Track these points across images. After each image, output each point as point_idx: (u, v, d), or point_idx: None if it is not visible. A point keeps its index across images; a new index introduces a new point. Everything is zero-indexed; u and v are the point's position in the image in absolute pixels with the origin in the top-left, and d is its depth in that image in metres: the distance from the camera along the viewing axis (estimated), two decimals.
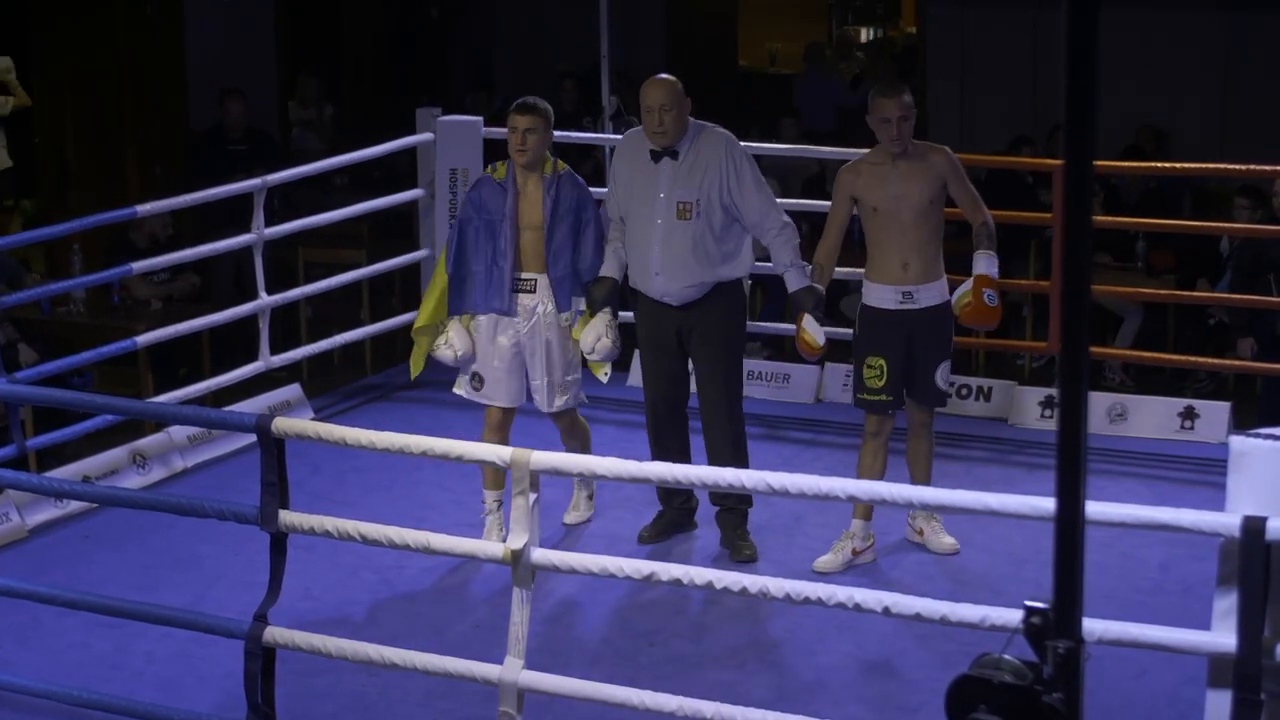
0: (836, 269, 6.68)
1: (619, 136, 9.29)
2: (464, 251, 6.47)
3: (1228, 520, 3.93)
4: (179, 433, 7.64)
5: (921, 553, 6.63)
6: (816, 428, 8.07)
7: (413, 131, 8.92)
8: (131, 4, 10.44)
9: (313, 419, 7.88)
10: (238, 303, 8.25)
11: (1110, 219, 8.67)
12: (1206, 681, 4.10)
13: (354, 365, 9.42)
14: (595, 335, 6.38)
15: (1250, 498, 3.96)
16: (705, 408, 6.64)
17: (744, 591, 4.53)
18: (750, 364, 8.04)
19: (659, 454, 6.66)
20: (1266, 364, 7.93)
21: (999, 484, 7.17)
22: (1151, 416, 8.03)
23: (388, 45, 14.35)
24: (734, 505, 6.58)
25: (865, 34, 19.44)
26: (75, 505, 6.94)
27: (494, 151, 8.66)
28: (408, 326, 9.08)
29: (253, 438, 5.05)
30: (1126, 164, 9.14)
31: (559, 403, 6.55)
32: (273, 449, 4.82)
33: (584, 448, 6.78)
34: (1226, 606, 3.99)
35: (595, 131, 9.54)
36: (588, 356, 6.46)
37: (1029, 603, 2.51)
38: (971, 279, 6.37)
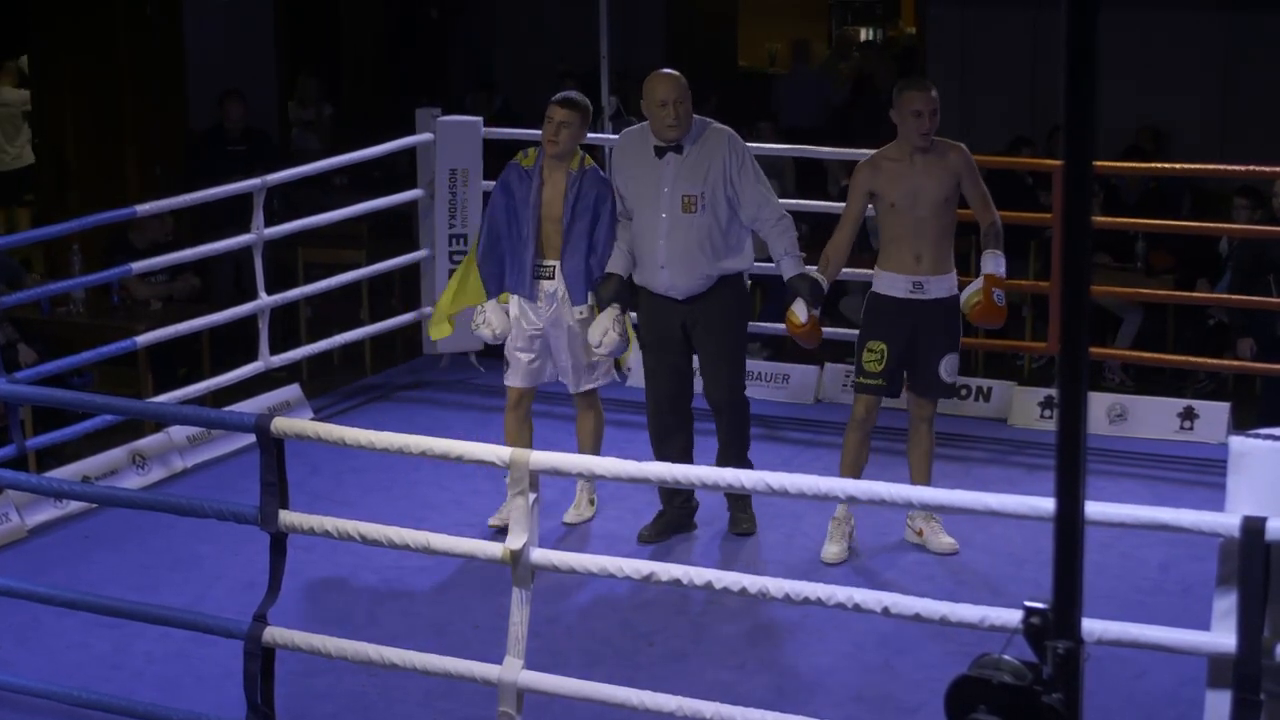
0: (856, 272, 6.70)
1: (619, 137, 9.35)
2: (496, 234, 6.66)
3: (1227, 520, 3.93)
4: (178, 433, 7.64)
5: (921, 553, 6.63)
6: (816, 428, 8.07)
7: (412, 131, 8.91)
8: (131, 4, 10.45)
9: (312, 419, 7.88)
10: (237, 303, 8.24)
11: (1110, 219, 8.67)
12: (1206, 682, 4.09)
13: (353, 365, 9.43)
14: (602, 330, 6.52)
15: (1250, 498, 3.96)
16: (712, 395, 6.72)
17: (744, 591, 4.52)
18: (750, 364, 8.03)
19: (661, 453, 6.70)
20: (1266, 364, 7.93)
21: (998, 484, 7.17)
22: (1151, 417, 8.03)
23: (388, 45, 14.35)
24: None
25: (865, 34, 19.45)
26: (75, 505, 6.94)
27: (494, 152, 8.69)
28: (407, 327, 9.16)
29: (252, 438, 5.04)
30: (1126, 164, 9.14)
31: (585, 384, 6.74)
32: (272, 449, 4.82)
33: (595, 436, 6.84)
34: (1226, 607, 3.99)
35: (595, 131, 9.53)
36: (596, 351, 6.59)
37: (1028, 603, 2.51)
38: (981, 278, 6.46)
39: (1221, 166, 8.23)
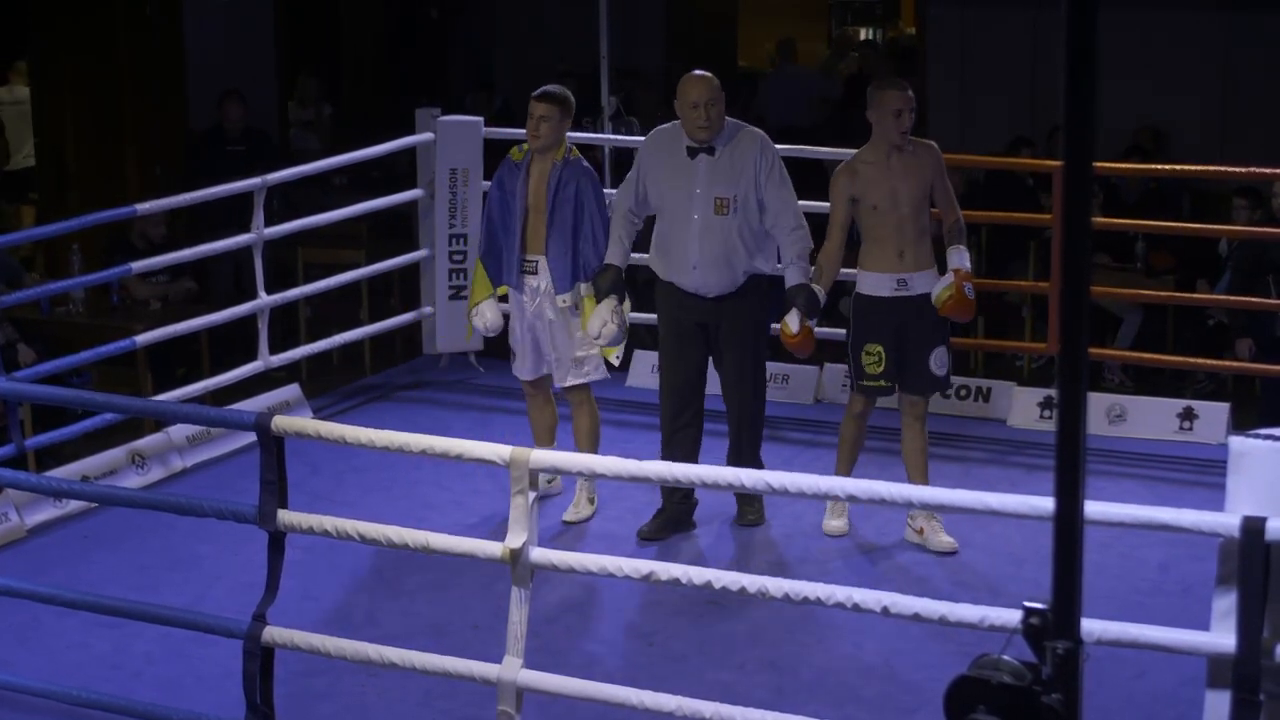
0: (842, 270, 6.73)
1: (619, 137, 9.36)
2: (493, 229, 6.84)
3: (1227, 520, 3.93)
4: (178, 432, 7.64)
5: (921, 553, 6.64)
6: (816, 428, 8.06)
7: (412, 131, 8.91)
8: (131, 4, 10.44)
9: (312, 419, 7.87)
10: (237, 303, 8.24)
11: (1109, 220, 8.67)
12: (1205, 682, 4.09)
13: (353, 365, 9.43)
14: (600, 321, 6.59)
15: (1250, 498, 3.96)
16: (730, 399, 6.78)
17: (743, 591, 4.53)
18: None
19: (671, 445, 6.78)
20: (1265, 365, 7.93)
21: (998, 484, 7.17)
22: (1150, 417, 8.03)
23: (388, 45, 14.35)
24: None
25: (865, 34, 19.44)
26: (74, 505, 6.94)
27: (494, 152, 8.68)
28: (407, 327, 9.16)
29: (251, 438, 5.05)
30: (1126, 165, 9.14)
31: (569, 379, 6.80)
32: (272, 447, 4.82)
33: (591, 434, 6.86)
34: (1226, 607, 3.99)
35: (595, 131, 9.54)
36: (594, 341, 6.67)
37: (1028, 603, 2.51)
38: (951, 273, 6.54)
39: (1220, 169, 8.22)
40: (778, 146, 6.76)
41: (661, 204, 6.67)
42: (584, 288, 6.69)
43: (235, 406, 7.64)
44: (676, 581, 4.56)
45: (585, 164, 6.74)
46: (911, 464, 6.68)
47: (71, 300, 8.67)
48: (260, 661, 4.88)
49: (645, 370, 8.74)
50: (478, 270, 6.99)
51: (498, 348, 6.95)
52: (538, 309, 6.75)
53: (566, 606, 6.08)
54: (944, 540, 6.61)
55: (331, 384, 9.02)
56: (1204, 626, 4.11)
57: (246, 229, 7.99)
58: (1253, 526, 3.86)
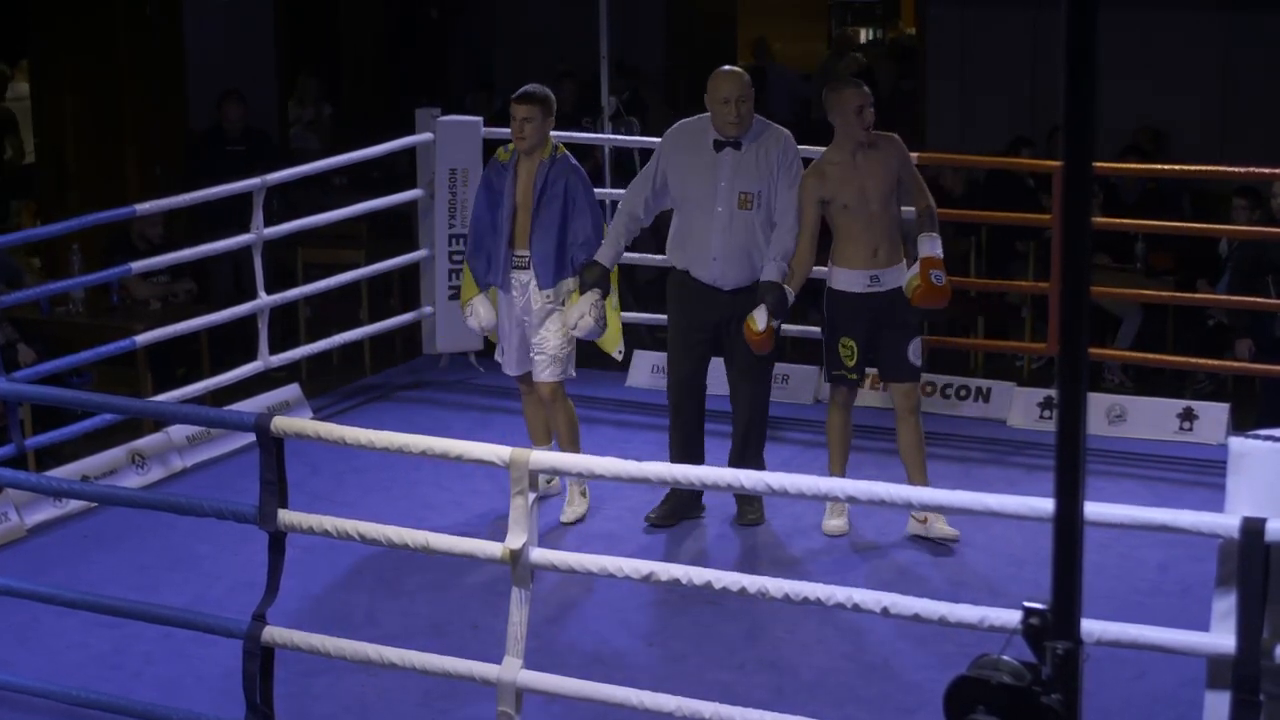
0: (820, 268, 6.89)
1: (619, 137, 9.36)
2: (480, 230, 6.88)
3: (1227, 521, 3.93)
4: (178, 432, 7.64)
5: (921, 553, 6.64)
6: (816, 428, 8.05)
7: (412, 131, 8.91)
8: (131, 4, 10.43)
9: (311, 419, 7.87)
10: (237, 303, 8.24)
11: (1109, 220, 8.67)
12: (1205, 683, 4.09)
13: (353, 365, 9.43)
14: (579, 313, 6.67)
15: (1249, 499, 3.96)
16: (737, 392, 6.86)
17: (743, 591, 4.53)
18: None
19: (677, 435, 6.88)
20: (1265, 365, 7.93)
21: (998, 485, 7.17)
22: (1150, 417, 8.03)
23: (387, 45, 14.34)
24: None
25: (865, 34, 19.44)
26: (74, 505, 6.94)
27: (493, 152, 8.68)
28: (406, 327, 9.16)
29: (251, 438, 5.04)
30: (1125, 165, 9.13)
31: (545, 374, 6.82)
32: (272, 448, 4.82)
33: (569, 430, 6.87)
34: (1225, 607, 3.99)
35: (595, 131, 9.53)
36: (571, 333, 6.75)
37: (1028, 604, 2.51)
38: (918, 262, 6.64)
39: (1219, 169, 8.22)
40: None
41: (683, 196, 6.74)
42: (570, 283, 6.75)
43: (235, 406, 7.65)
44: (676, 581, 4.56)
45: (573, 161, 6.79)
46: (909, 460, 6.72)
47: (71, 300, 8.67)
48: (260, 661, 4.88)
49: (645, 370, 8.74)
50: (465, 272, 7.09)
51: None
52: (526, 304, 6.79)
53: (566, 606, 6.08)
54: (946, 529, 6.65)
55: (331, 384, 9.01)
56: (1204, 627, 4.11)
57: (246, 229, 7.99)
58: (1252, 527, 3.86)
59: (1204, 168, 8.45)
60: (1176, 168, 8.84)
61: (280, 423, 4.84)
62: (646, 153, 7.80)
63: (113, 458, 7.37)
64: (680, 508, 6.89)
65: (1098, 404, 7.99)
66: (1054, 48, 2.41)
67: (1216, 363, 8.50)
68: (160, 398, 7.53)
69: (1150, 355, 8.66)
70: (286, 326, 9.55)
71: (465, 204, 8.73)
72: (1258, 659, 3.89)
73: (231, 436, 7.66)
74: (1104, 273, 9.06)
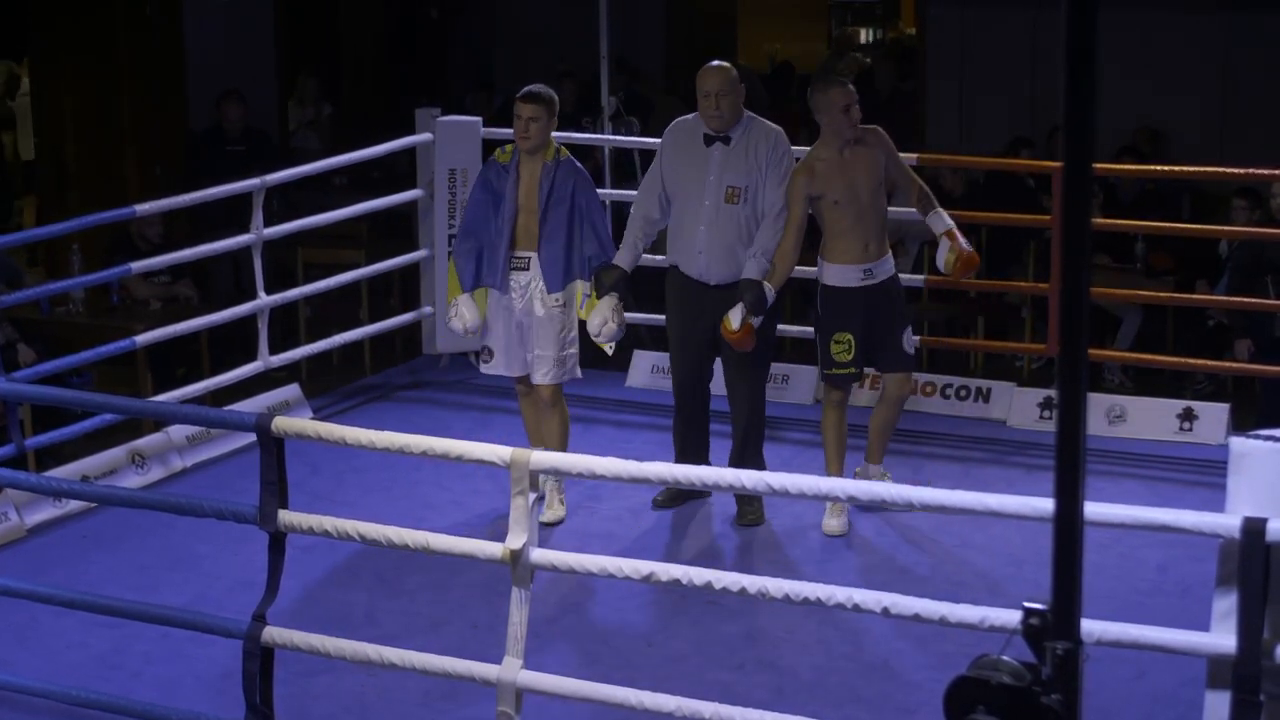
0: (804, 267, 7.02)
1: (619, 137, 9.36)
2: (472, 229, 6.82)
3: (1228, 521, 3.93)
4: (178, 432, 7.63)
5: (920, 553, 6.64)
6: (816, 428, 8.04)
7: (412, 131, 8.91)
8: (131, 4, 10.43)
9: (312, 419, 7.87)
10: (237, 303, 8.24)
11: (1109, 221, 8.67)
12: (1205, 683, 4.09)
13: (353, 365, 9.42)
14: (601, 319, 6.67)
15: (1250, 499, 3.96)
16: (732, 389, 6.89)
17: (743, 592, 4.52)
18: None
19: (680, 432, 6.95)
20: (1264, 365, 7.93)
21: (998, 485, 7.17)
22: (1150, 418, 8.03)
23: (387, 45, 14.34)
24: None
25: (865, 35, 19.44)
26: (74, 505, 6.94)
27: (493, 152, 8.68)
28: (406, 327, 9.16)
29: (251, 438, 5.04)
30: (1125, 166, 9.14)
31: (547, 377, 6.79)
32: (272, 448, 4.82)
33: (562, 433, 6.86)
34: (1226, 608, 3.99)
35: (595, 132, 9.53)
36: (594, 339, 6.74)
37: (1028, 604, 2.51)
38: (943, 237, 6.77)
39: (1219, 170, 8.22)
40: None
41: (676, 190, 6.80)
42: (581, 285, 6.73)
43: (235, 406, 7.65)
44: (676, 582, 4.56)
45: (577, 164, 6.79)
46: (878, 436, 6.95)
47: (71, 300, 8.67)
48: (260, 661, 4.88)
49: (645, 370, 8.74)
50: (453, 269, 6.97)
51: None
52: (526, 305, 6.74)
53: (566, 606, 6.08)
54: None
55: (331, 384, 9.01)
56: (1204, 627, 4.11)
57: (246, 229, 7.99)
58: (1253, 527, 3.86)
59: (1203, 168, 8.45)
60: (1176, 168, 8.84)
61: (281, 423, 4.84)
62: (646, 153, 7.81)
63: (113, 458, 7.37)
64: (685, 489, 6.92)
65: (1098, 404, 7.99)
66: (1054, 48, 2.41)
67: (1216, 363, 8.50)
68: (160, 398, 7.53)
69: (1150, 355, 8.66)
70: (286, 326, 9.54)
71: (465, 204, 8.72)
72: (1258, 659, 3.89)
73: (231, 436, 7.65)
74: (1104, 273, 9.06)
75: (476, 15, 14.76)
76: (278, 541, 4.89)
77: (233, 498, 5.18)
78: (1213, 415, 7.96)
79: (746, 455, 6.81)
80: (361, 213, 8.93)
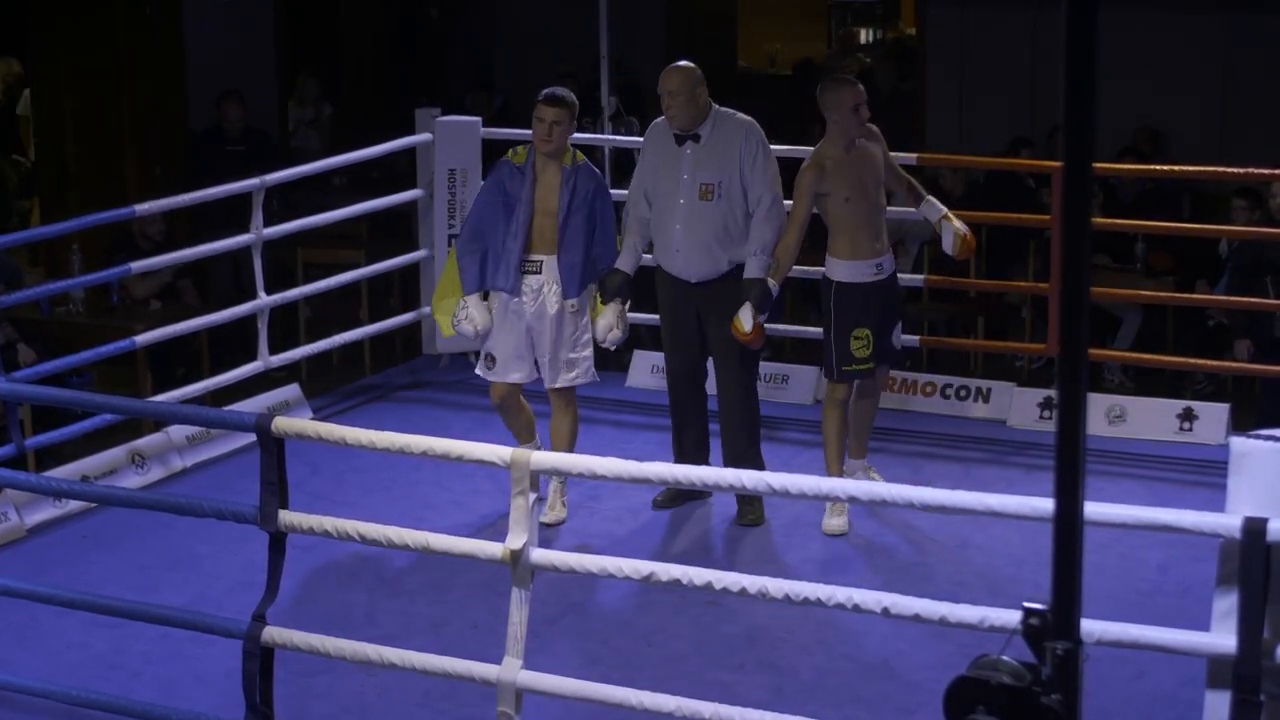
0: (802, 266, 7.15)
1: (619, 137, 9.36)
2: (480, 230, 6.74)
3: (1229, 521, 3.93)
4: (177, 432, 7.63)
5: (920, 553, 6.64)
6: (816, 428, 8.04)
7: (412, 131, 8.91)
8: (131, 4, 10.43)
9: (311, 419, 7.87)
10: (236, 303, 8.24)
11: (1109, 220, 8.67)
12: (1205, 683, 4.09)
13: (353, 365, 9.42)
14: (608, 325, 6.73)
15: (1250, 499, 3.96)
16: (721, 387, 6.91)
17: (743, 592, 4.52)
18: None
19: (678, 419, 6.97)
20: (1264, 365, 7.92)
21: (998, 485, 7.17)
22: (1150, 418, 8.03)
23: (388, 45, 14.34)
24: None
25: (865, 35, 19.42)
26: (74, 505, 6.94)
27: (493, 152, 8.68)
28: (406, 327, 9.15)
29: (251, 438, 5.05)
30: (1125, 166, 9.14)
31: (563, 380, 6.77)
32: (272, 448, 4.82)
33: (571, 437, 6.85)
34: (1226, 607, 3.99)
35: (595, 132, 9.53)
36: (601, 344, 6.77)
37: (1027, 604, 2.51)
38: (943, 222, 6.90)
39: (1218, 170, 8.21)
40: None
41: (654, 190, 6.83)
42: (592, 287, 6.77)
43: (235, 406, 7.65)
44: (676, 582, 4.56)
45: (593, 167, 6.80)
46: (862, 430, 7.03)
47: (71, 300, 8.67)
48: (260, 661, 4.88)
49: (645, 370, 8.74)
50: (453, 267, 6.90)
51: None
52: (539, 309, 6.71)
53: (566, 606, 6.07)
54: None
55: (331, 384, 9.01)
56: (1204, 627, 4.11)
57: (246, 229, 7.99)
58: (1254, 528, 3.86)
59: (1203, 168, 8.45)
60: (1176, 168, 8.84)
61: (281, 423, 4.84)
62: None
63: (113, 458, 7.37)
64: (685, 489, 6.91)
65: (1098, 404, 7.99)
66: (1054, 48, 2.40)
67: (1216, 363, 8.50)
68: (160, 398, 7.53)
69: (1150, 355, 8.66)
70: (286, 326, 9.54)
71: (465, 204, 8.72)
72: (1258, 659, 3.88)
73: (231, 436, 7.65)
74: (1104, 273, 9.06)
75: (476, 15, 14.76)
76: (278, 541, 4.89)
77: (233, 498, 5.18)
78: (1213, 415, 7.95)
79: (742, 451, 6.81)
80: (361, 213, 8.92)
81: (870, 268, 6.77)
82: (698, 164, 6.72)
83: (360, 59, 14.12)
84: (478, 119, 9.11)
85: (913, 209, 7.14)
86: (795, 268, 6.94)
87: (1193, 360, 8.55)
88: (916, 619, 4.31)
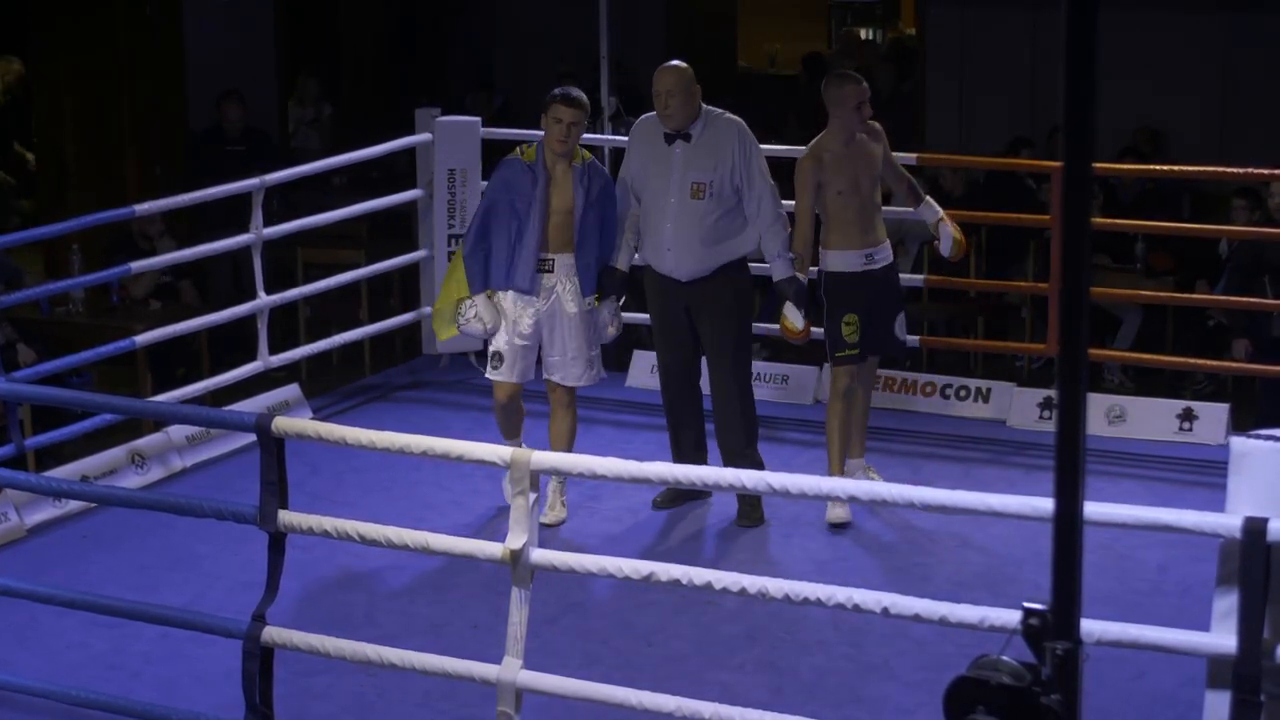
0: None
1: (619, 137, 9.35)
2: (487, 229, 6.73)
3: (1229, 521, 3.92)
4: (177, 432, 7.63)
5: (920, 553, 6.63)
6: (816, 428, 8.04)
7: (412, 131, 8.91)
8: (131, 4, 10.43)
9: (311, 419, 7.87)
10: (236, 303, 8.24)
11: (1109, 220, 8.67)
12: (1205, 682, 4.09)
13: (353, 365, 9.42)
14: (604, 322, 6.78)
15: (1250, 499, 3.96)
16: (715, 385, 6.93)
17: (743, 592, 4.52)
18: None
19: (674, 420, 6.99)
20: (1264, 365, 7.92)
21: (997, 485, 7.16)
22: (1150, 418, 8.03)
23: (387, 45, 14.34)
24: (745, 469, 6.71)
25: (865, 34, 19.42)
26: (74, 505, 6.94)
27: (493, 152, 8.67)
28: (406, 327, 9.15)
29: (250, 438, 5.05)
30: (1125, 166, 9.14)
31: (581, 378, 6.80)
32: (272, 448, 4.82)
33: (570, 436, 6.85)
34: (1226, 607, 3.99)
35: (595, 131, 9.53)
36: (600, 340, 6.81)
37: (1027, 604, 2.51)
38: (940, 224, 7.03)
39: (1218, 170, 8.21)
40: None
41: (643, 189, 6.83)
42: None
43: (235, 406, 7.65)
44: (676, 582, 4.56)
45: (601, 165, 6.85)
46: (859, 425, 7.07)
47: (71, 300, 8.67)
48: (260, 661, 4.87)
49: (645, 370, 8.74)
50: (457, 269, 6.80)
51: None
52: (552, 307, 6.70)
53: (566, 606, 6.07)
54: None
55: (331, 384, 9.01)
56: (1204, 627, 4.11)
57: (246, 229, 7.99)
58: (1254, 527, 3.86)
59: (1203, 168, 8.45)
60: (1176, 168, 8.84)
61: (281, 423, 4.84)
62: None
63: (112, 458, 7.37)
64: (684, 490, 6.92)
65: (1098, 404, 7.99)
66: (1054, 48, 2.41)
67: (1216, 363, 8.50)
68: (160, 398, 7.53)
69: (1150, 355, 8.67)
70: (286, 326, 9.55)
71: (464, 204, 8.72)
72: (1258, 659, 3.88)
73: (231, 436, 7.65)
74: (1104, 273, 9.06)
75: (476, 15, 14.77)
76: (278, 541, 4.89)
77: (233, 498, 5.18)
78: (1212, 415, 7.95)
79: (743, 453, 6.81)
80: (361, 213, 8.92)
81: (860, 258, 6.85)
82: (689, 163, 6.72)
83: (360, 59, 14.12)
84: (478, 119, 9.11)
85: (911, 209, 7.19)
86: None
87: (1192, 360, 8.55)
88: (916, 619, 4.31)
